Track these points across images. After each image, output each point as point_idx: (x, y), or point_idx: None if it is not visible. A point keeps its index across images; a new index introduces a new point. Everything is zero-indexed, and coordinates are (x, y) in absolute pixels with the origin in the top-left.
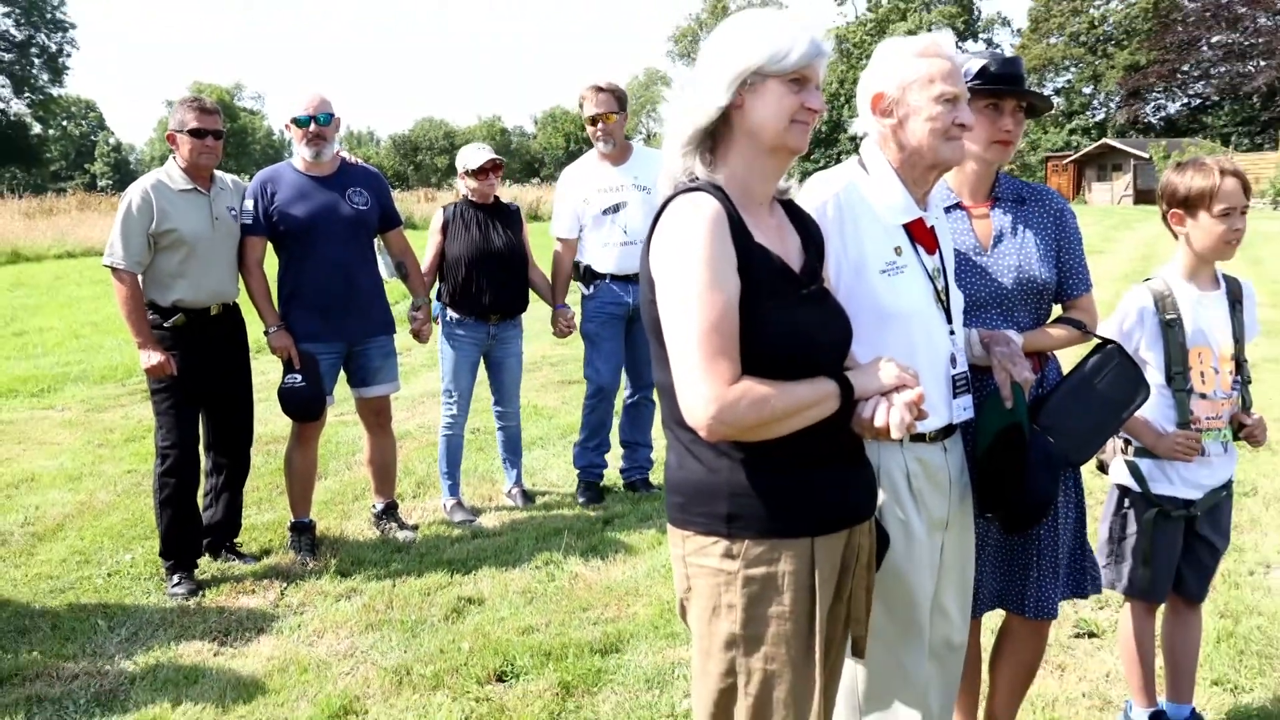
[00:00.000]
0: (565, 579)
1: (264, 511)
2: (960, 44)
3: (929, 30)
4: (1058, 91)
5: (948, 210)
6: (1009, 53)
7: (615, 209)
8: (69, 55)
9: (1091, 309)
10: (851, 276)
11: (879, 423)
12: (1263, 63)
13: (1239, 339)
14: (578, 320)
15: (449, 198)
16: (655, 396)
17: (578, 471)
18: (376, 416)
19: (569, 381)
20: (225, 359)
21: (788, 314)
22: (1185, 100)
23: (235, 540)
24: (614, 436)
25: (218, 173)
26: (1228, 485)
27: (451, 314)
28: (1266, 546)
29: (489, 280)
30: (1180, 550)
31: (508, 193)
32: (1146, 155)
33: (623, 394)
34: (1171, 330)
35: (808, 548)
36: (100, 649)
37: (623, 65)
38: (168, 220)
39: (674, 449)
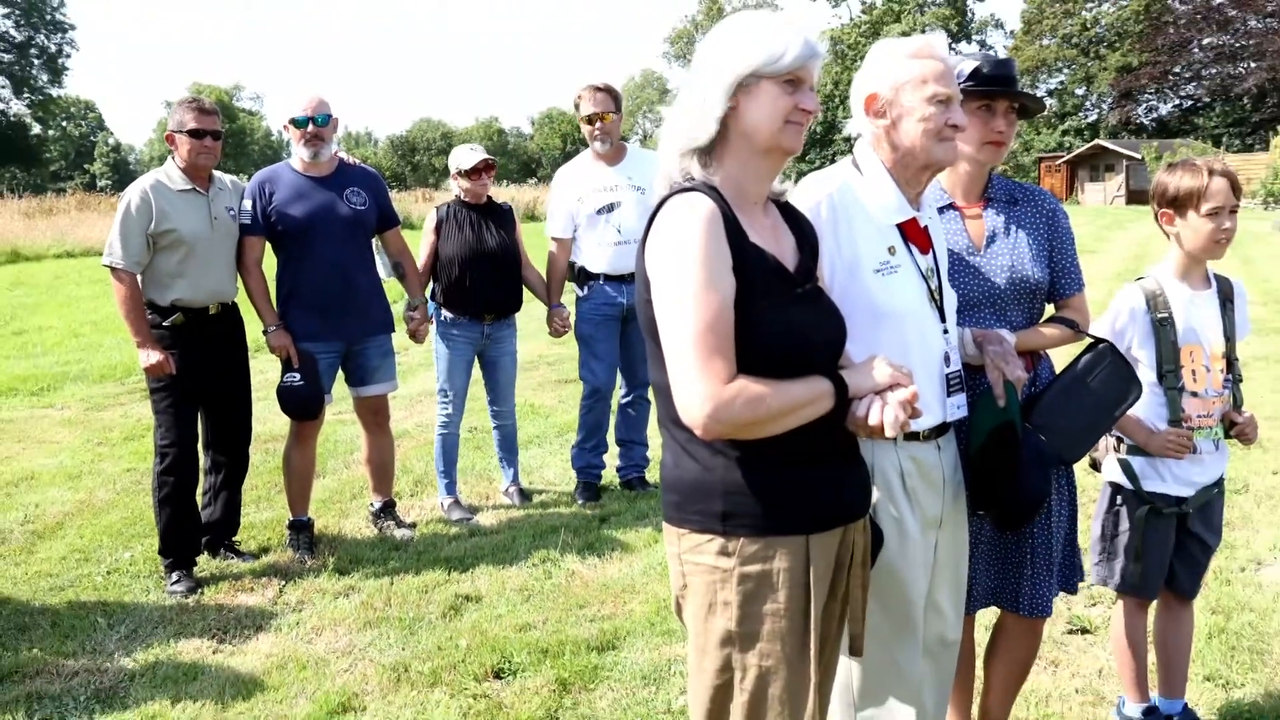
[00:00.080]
0: (562, 576)
1: (262, 510)
2: (954, 46)
3: (923, 32)
4: (1051, 93)
5: (941, 210)
6: (1002, 54)
7: (609, 208)
8: (68, 56)
9: (1084, 308)
10: (845, 276)
11: (873, 421)
12: (1253, 64)
13: (1230, 337)
14: (573, 320)
15: (446, 198)
16: (650, 395)
17: (576, 472)
18: (374, 415)
19: (566, 380)
20: (224, 358)
21: (782, 313)
22: (1177, 101)
23: (234, 538)
24: (610, 436)
25: (216, 173)
26: (1219, 482)
27: (446, 313)
28: (1258, 543)
29: (483, 280)
30: (1172, 547)
31: (505, 193)
32: (1139, 156)
33: (618, 393)
34: (1163, 329)
35: (803, 545)
36: (100, 646)
37: (619, 66)
38: (166, 220)
39: (669, 448)
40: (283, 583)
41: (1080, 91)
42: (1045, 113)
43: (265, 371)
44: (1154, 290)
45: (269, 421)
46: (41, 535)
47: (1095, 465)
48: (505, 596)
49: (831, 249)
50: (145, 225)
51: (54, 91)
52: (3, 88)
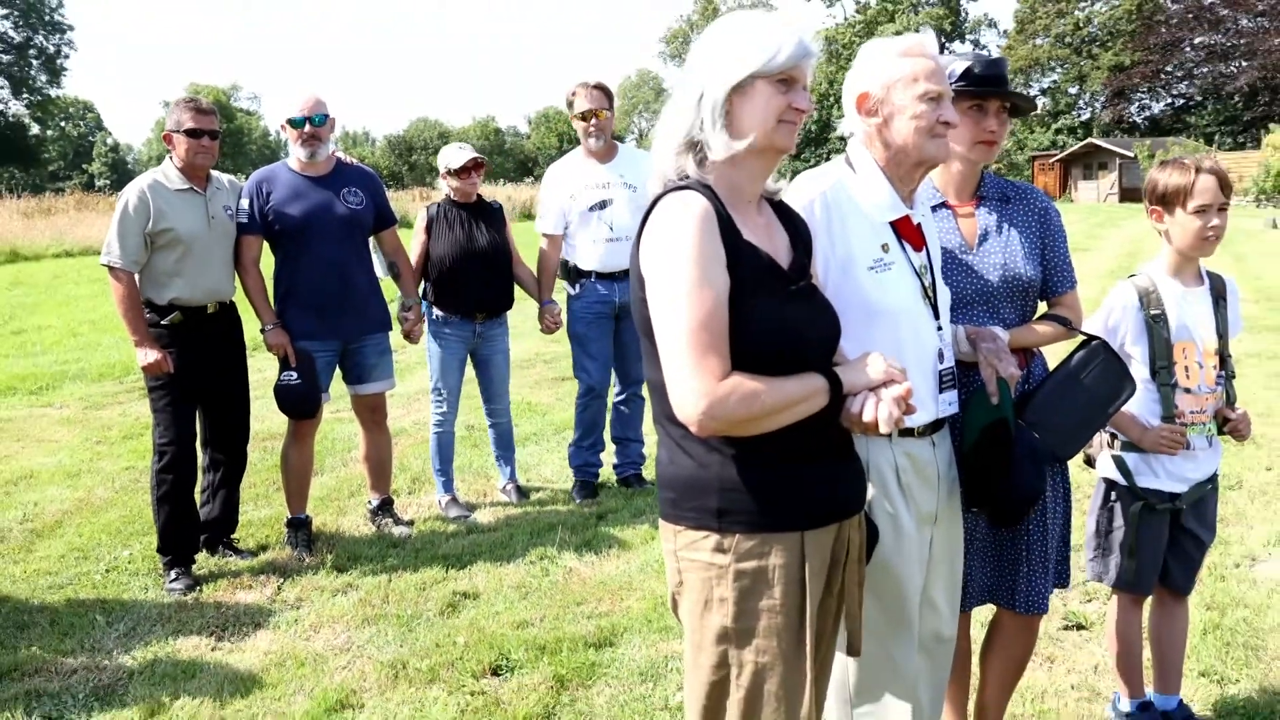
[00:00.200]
0: (559, 574)
1: (261, 507)
2: (947, 45)
3: (917, 31)
4: (1044, 92)
5: (934, 209)
6: (995, 54)
7: (601, 205)
8: (67, 57)
9: (1076, 305)
10: (839, 274)
11: (867, 418)
12: (1244, 63)
13: (1223, 334)
14: (564, 317)
15: (439, 197)
16: (644, 393)
17: (573, 470)
18: (372, 413)
19: (562, 378)
20: (222, 357)
21: (776, 310)
22: (1169, 100)
23: (232, 536)
24: (606, 434)
25: (214, 172)
26: (1213, 479)
27: (438, 312)
28: (1252, 539)
29: (473, 278)
30: (1166, 543)
31: (502, 192)
32: (1131, 154)
33: (612, 391)
34: (1156, 325)
35: (798, 542)
36: (99, 644)
37: (615, 66)
38: (164, 219)
39: (665, 445)
40: (281, 580)
41: (1073, 90)
42: (1039, 111)
43: (263, 370)
44: (1147, 287)
45: (267, 419)
46: (40, 533)
47: (1090, 461)
48: (503, 594)
49: (825, 247)
50: (143, 224)
51: (52, 92)
52: (1, 88)
